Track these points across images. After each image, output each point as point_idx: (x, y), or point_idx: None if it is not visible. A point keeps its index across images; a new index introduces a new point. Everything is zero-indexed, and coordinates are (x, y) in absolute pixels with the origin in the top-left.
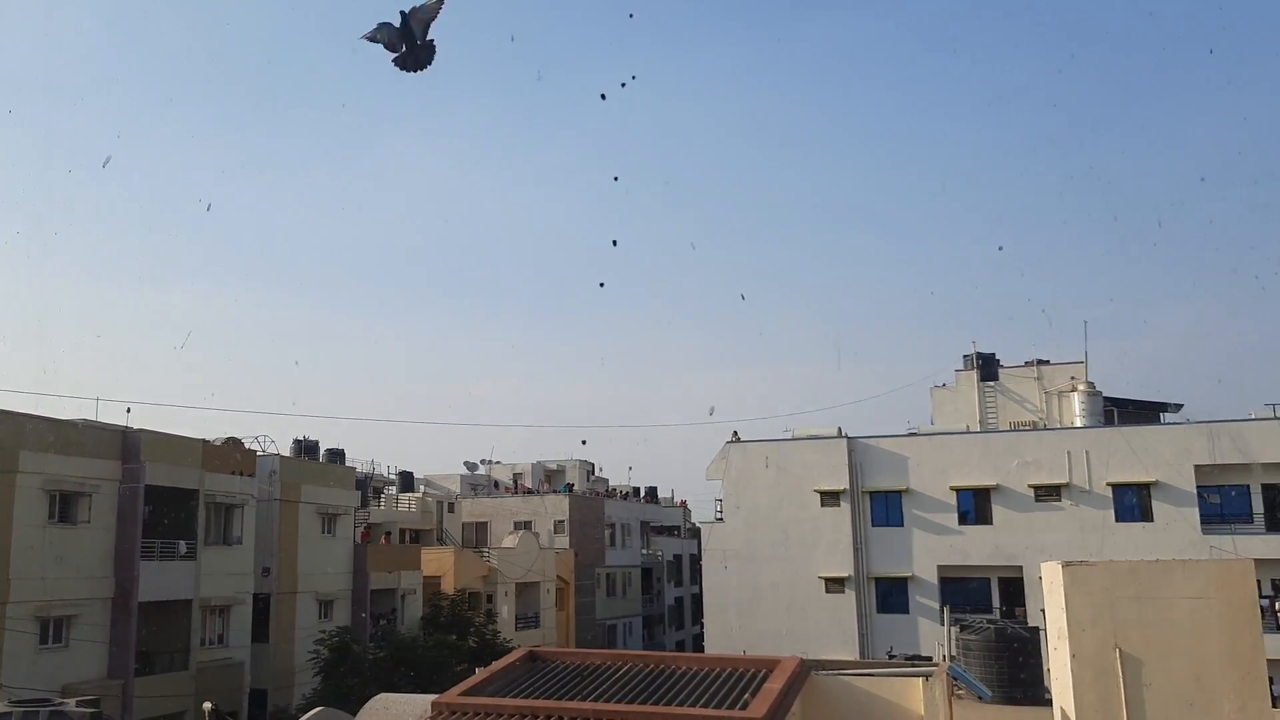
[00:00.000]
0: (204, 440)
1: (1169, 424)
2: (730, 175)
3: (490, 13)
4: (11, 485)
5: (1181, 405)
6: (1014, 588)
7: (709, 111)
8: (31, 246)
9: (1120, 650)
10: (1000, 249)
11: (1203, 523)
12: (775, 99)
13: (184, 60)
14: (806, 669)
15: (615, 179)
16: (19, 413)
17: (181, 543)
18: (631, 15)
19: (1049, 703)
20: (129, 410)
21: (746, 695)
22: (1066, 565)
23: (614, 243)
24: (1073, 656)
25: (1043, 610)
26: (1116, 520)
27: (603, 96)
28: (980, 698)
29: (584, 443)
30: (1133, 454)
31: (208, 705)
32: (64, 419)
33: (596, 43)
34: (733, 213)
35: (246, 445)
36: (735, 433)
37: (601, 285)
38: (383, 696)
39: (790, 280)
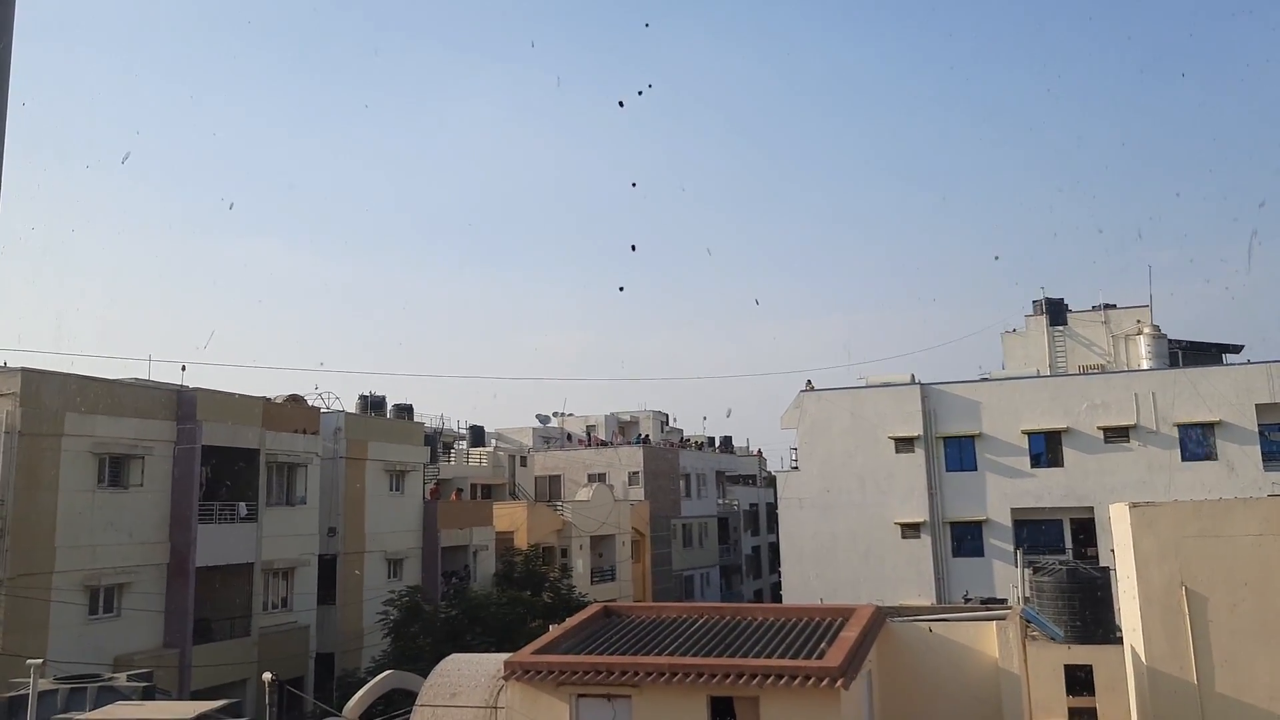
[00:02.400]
0: (264, 398)
1: (1231, 365)
2: (802, 123)
3: None
4: (57, 449)
5: (1242, 347)
6: (1086, 528)
7: (782, 61)
8: (90, 204)
9: (1186, 587)
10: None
11: (1265, 460)
12: (850, 49)
13: (248, 14)
14: (882, 616)
15: (634, 185)
16: (62, 373)
17: (242, 504)
18: None
19: (1120, 640)
20: (184, 369)
21: (823, 644)
22: (1133, 506)
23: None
24: (1140, 595)
25: (1113, 550)
26: (1183, 460)
27: (620, 104)
28: (1053, 638)
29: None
30: (1197, 395)
31: (267, 676)
32: (112, 379)
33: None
34: (805, 163)
35: (310, 402)
36: (809, 381)
37: (621, 289)
38: (454, 657)
39: (864, 228)
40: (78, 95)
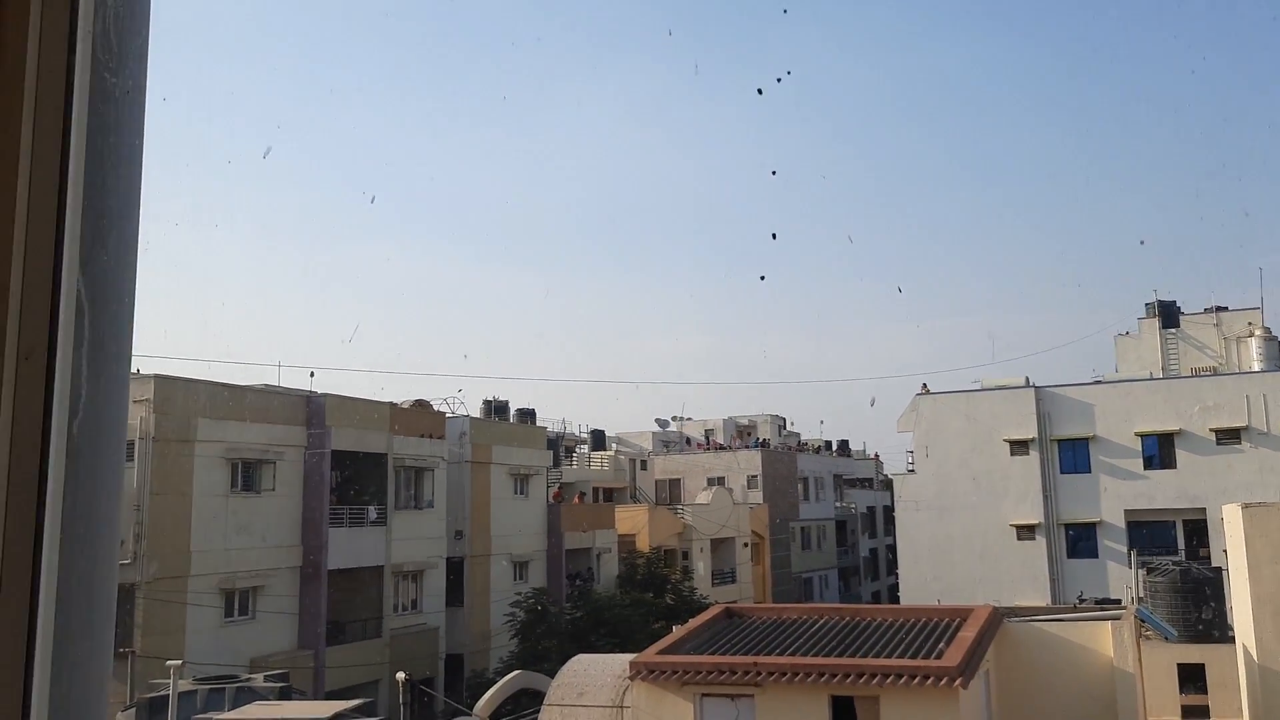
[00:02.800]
0: (391, 403)
1: None
2: (904, 127)
3: None
4: (190, 455)
5: None
6: (1199, 529)
7: (879, 63)
8: (210, 212)
9: None
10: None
11: None
12: (947, 51)
13: (352, 19)
14: (999, 617)
15: (774, 173)
16: (194, 379)
17: (371, 508)
18: None
19: (1232, 640)
20: (312, 375)
21: (941, 645)
22: (1246, 507)
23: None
24: (1253, 595)
25: (1225, 551)
26: None
27: (759, 91)
28: (1166, 638)
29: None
30: None
31: (401, 676)
32: (243, 385)
33: None
34: (910, 168)
35: (435, 407)
36: (925, 385)
37: (762, 278)
38: (581, 657)
39: (971, 235)
40: (218, 93)
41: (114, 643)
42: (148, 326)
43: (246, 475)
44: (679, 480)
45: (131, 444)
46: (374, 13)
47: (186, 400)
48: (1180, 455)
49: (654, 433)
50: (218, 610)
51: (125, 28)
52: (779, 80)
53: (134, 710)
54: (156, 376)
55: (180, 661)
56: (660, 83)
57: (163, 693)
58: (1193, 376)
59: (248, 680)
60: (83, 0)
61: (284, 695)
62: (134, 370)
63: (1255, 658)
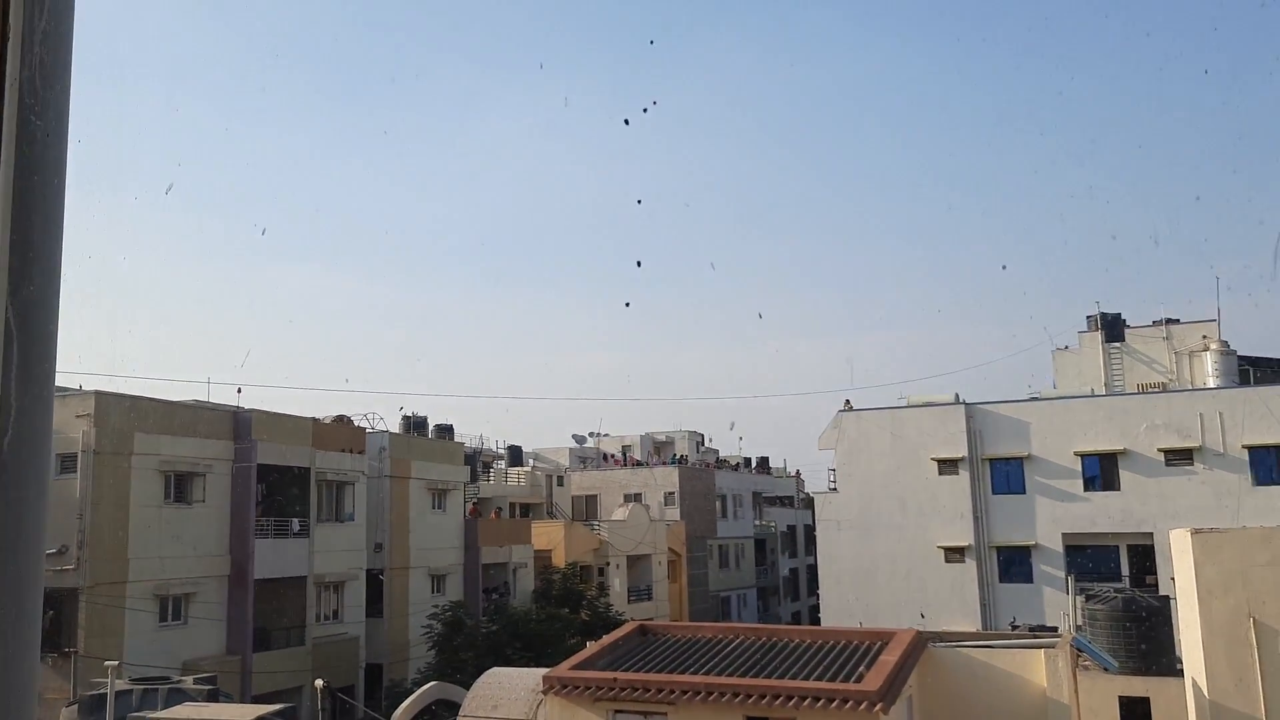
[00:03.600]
0: (314, 419)
1: None
2: (835, 135)
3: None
4: (128, 466)
5: None
6: (1144, 555)
7: (811, 69)
8: (139, 232)
9: (1254, 619)
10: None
11: None
12: (885, 59)
13: (275, 44)
14: (923, 641)
15: (639, 202)
16: (132, 395)
17: (295, 520)
18: None
19: (1180, 673)
20: (239, 391)
21: (861, 668)
22: (1196, 532)
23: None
24: (1203, 626)
25: (1173, 579)
26: (1255, 484)
27: (626, 122)
28: (1105, 669)
29: (731, 426)
30: (1270, 414)
31: (319, 683)
32: (177, 401)
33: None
34: (840, 176)
35: (356, 423)
36: (848, 401)
37: (627, 305)
38: (495, 670)
39: (901, 244)
40: (125, 129)
41: (57, 645)
42: (83, 344)
43: (179, 487)
44: (596, 496)
45: (74, 456)
46: (264, 53)
47: (124, 414)
48: (1125, 476)
49: (571, 449)
50: (153, 615)
51: (50, 75)
52: (645, 110)
53: (76, 707)
54: (97, 393)
55: (117, 662)
56: (556, 106)
57: (101, 691)
58: (1140, 393)
59: (179, 682)
60: (11, 49)
61: (212, 697)
62: (77, 386)
63: (1206, 693)
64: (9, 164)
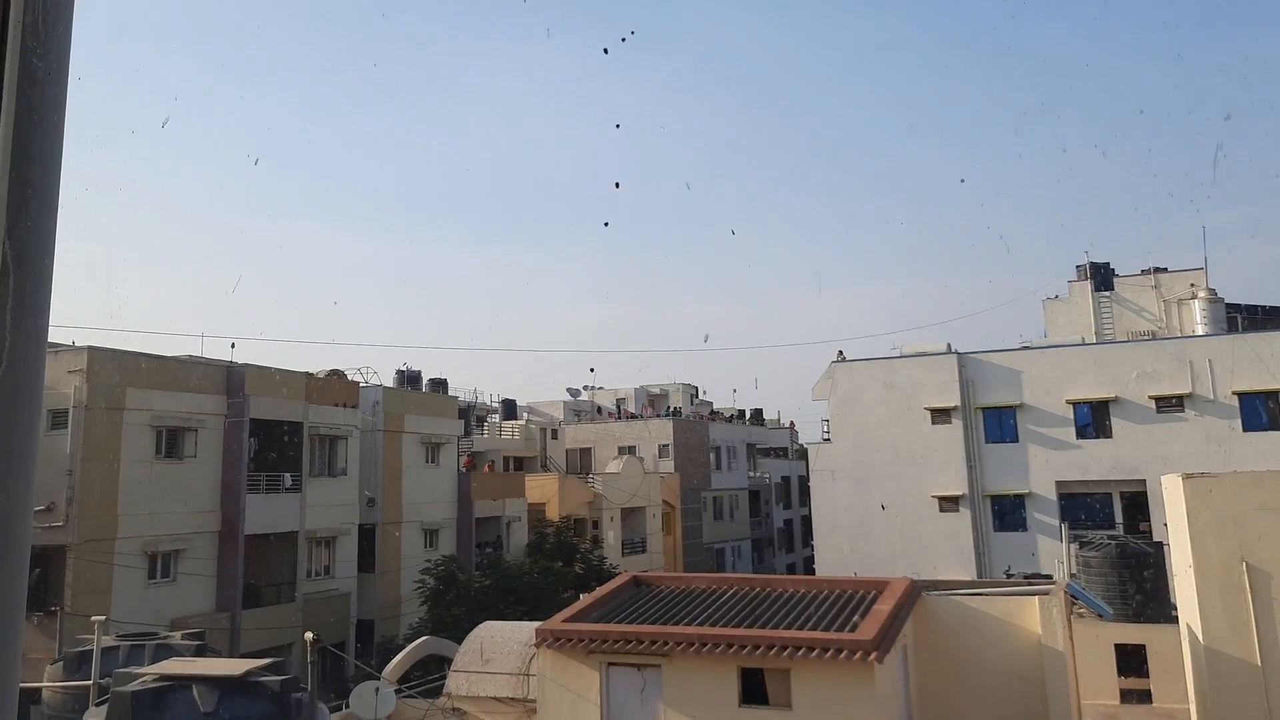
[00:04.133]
0: (307, 373)
1: None
2: (824, 92)
3: None
4: (119, 422)
5: None
6: (1138, 502)
7: (799, 28)
8: (138, 185)
9: (1247, 563)
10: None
11: None
12: (872, 11)
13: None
14: (917, 590)
15: (617, 126)
16: (124, 351)
17: (287, 475)
18: None
19: (1175, 619)
20: (233, 346)
21: (856, 617)
22: (1187, 477)
23: (616, 185)
24: (1197, 572)
25: (1166, 525)
26: (1244, 430)
27: (605, 50)
28: (1100, 616)
29: (706, 339)
30: (1259, 361)
31: (309, 635)
32: (169, 356)
33: None
34: (832, 131)
35: (349, 377)
36: (840, 352)
37: (606, 224)
38: (488, 624)
39: (892, 195)
40: (122, 75)
41: (43, 603)
42: (77, 299)
43: (170, 442)
44: (590, 449)
45: (65, 412)
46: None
47: (117, 370)
48: (1116, 424)
49: (565, 402)
50: (142, 571)
51: (52, 17)
52: (623, 40)
53: (62, 663)
54: (90, 348)
55: (104, 617)
56: (553, 72)
57: (87, 648)
58: (1129, 341)
59: (166, 638)
60: None
61: (200, 653)
62: (69, 342)
63: (1200, 639)
64: (10, 103)
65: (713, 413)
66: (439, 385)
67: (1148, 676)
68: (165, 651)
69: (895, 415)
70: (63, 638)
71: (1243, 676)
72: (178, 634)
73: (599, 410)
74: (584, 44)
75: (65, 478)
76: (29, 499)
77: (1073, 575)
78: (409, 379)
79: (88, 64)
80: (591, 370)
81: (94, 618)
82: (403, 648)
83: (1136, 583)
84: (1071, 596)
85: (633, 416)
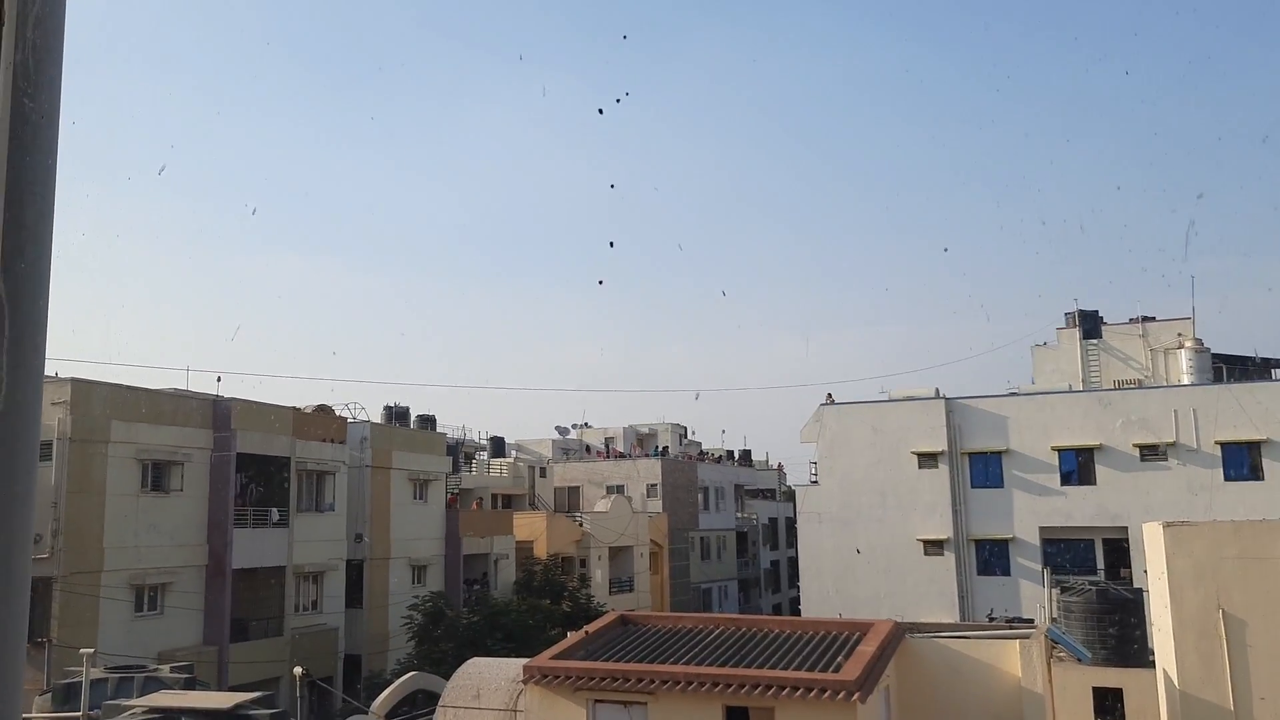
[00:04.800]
0: (295, 408)
1: None
2: (820, 134)
3: None
4: (104, 455)
5: None
6: (1119, 549)
7: (804, 63)
8: (131, 215)
9: (1223, 610)
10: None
11: None
12: (885, 47)
13: (266, 41)
14: (901, 632)
15: (612, 186)
16: (109, 383)
17: (274, 510)
18: None
19: (1152, 664)
20: (219, 379)
21: (840, 658)
22: (1167, 525)
23: (610, 244)
24: (1174, 617)
25: (1146, 571)
26: (1226, 479)
27: (600, 111)
28: (1079, 659)
29: (697, 397)
30: (1242, 411)
31: (298, 670)
32: (154, 389)
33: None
34: (825, 172)
35: (337, 412)
36: (829, 395)
37: (600, 283)
38: (476, 660)
39: (882, 241)
40: (119, 112)
41: (30, 634)
42: (60, 333)
43: (156, 475)
44: (578, 488)
45: (49, 444)
46: (255, 40)
47: (101, 402)
48: (1101, 471)
49: (554, 440)
50: (129, 604)
51: (43, 58)
52: (618, 101)
53: (50, 695)
54: (73, 379)
55: (92, 650)
56: (540, 100)
57: (75, 679)
58: (1116, 389)
59: (155, 671)
60: (5, 33)
61: (189, 686)
62: (52, 374)
63: (1176, 683)
64: (2, 144)
65: (701, 453)
66: (427, 422)
67: (1124, 719)
68: (154, 684)
69: (882, 459)
70: (50, 669)
71: None
72: (166, 667)
73: (588, 449)
74: (580, 102)
75: (50, 510)
76: (28, 537)
77: (1054, 620)
78: (397, 415)
79: (81, 106)
80: (581, 418)
81: (83, 650)
82: (391, 683)
83: (1115, 628)
84: (1052, 640)
85: (621, 456)
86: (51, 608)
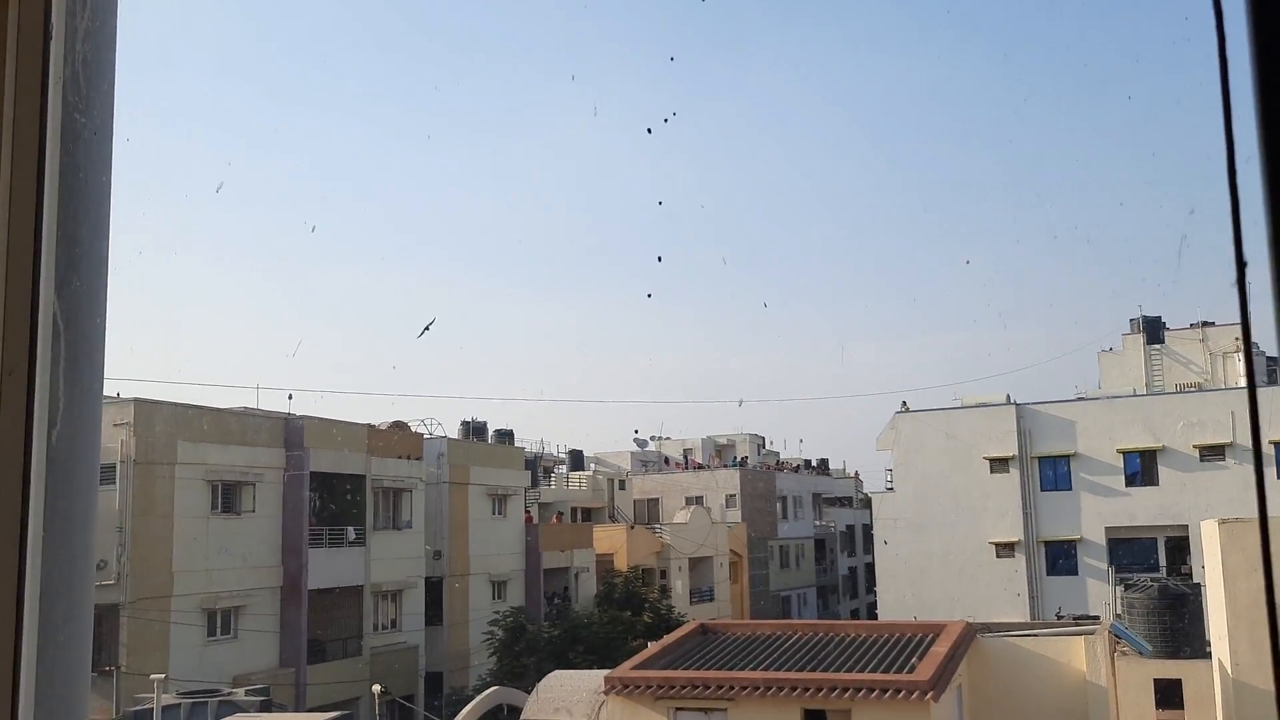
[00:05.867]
0: (369, 425)
1: None
2: (881, 139)
3: None
4: (171, 477)
5: None
6: (1180, 546)
7: (848, 75)
8: (190, 231)
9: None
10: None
11: None
12: (939, 58)
13: (325, 53)
14: (972, 632)
15: (659, 203)
16: (173, 403)
17: (350, 529)
18: None
19: (1209, 655)
20: (290, 397)
21: (914, 659)
22: (1223, 522)
23: (659, 259)
24: (1228, 609)
25: (1203, 567)
26: None
27: (649, 130)
28: (1141, 653)
29: (740, 403)
30: None
31: (376, 688)
32: (222, 408)
33: None
34: (895, 180)
35: (413, 429)
36: (904, 403)
37: (649, 296)
38: (558, 673)
39: (952, 249)
40: (177, 127)
41: (97, 662)
42: (124, 352)
43: (226, 497)
44: (657, 500)
45: (113, 466)
46: (315, 58)
47: (166, 423)
48: (1163, 472)
49: (632, 452)
50: (200, 629)
51: (93, 72)
52: (665, 120)
53: None
54: (136, 400)
55: (164, 675)
56: (609, 121)
57: (146, 706)
58: (1177, 393)
59: (229, 695)
60: (54, 47)
61: (265, 709)
62: (114, 394)
63: (1230, 673)
64: (54, 161)
65: (779, 463)
66: (505, 436)
67: (1183, 709)
68: (229, 708)
69: (956, 464)
70: (119, 697)
71: (1267, 706)
72: (241, 690)
73: (666, 461)
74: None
75: (115, 534)
76: (90, 560)
77: (1118, 616)
78: (474, 430)
79: (137, 123)
80: (659, 429)
81: (153, 676)
82: (472, 699)
83: (1175, 621)
84: (1115, 636)
85: (700, 467)
86: (119, 635)
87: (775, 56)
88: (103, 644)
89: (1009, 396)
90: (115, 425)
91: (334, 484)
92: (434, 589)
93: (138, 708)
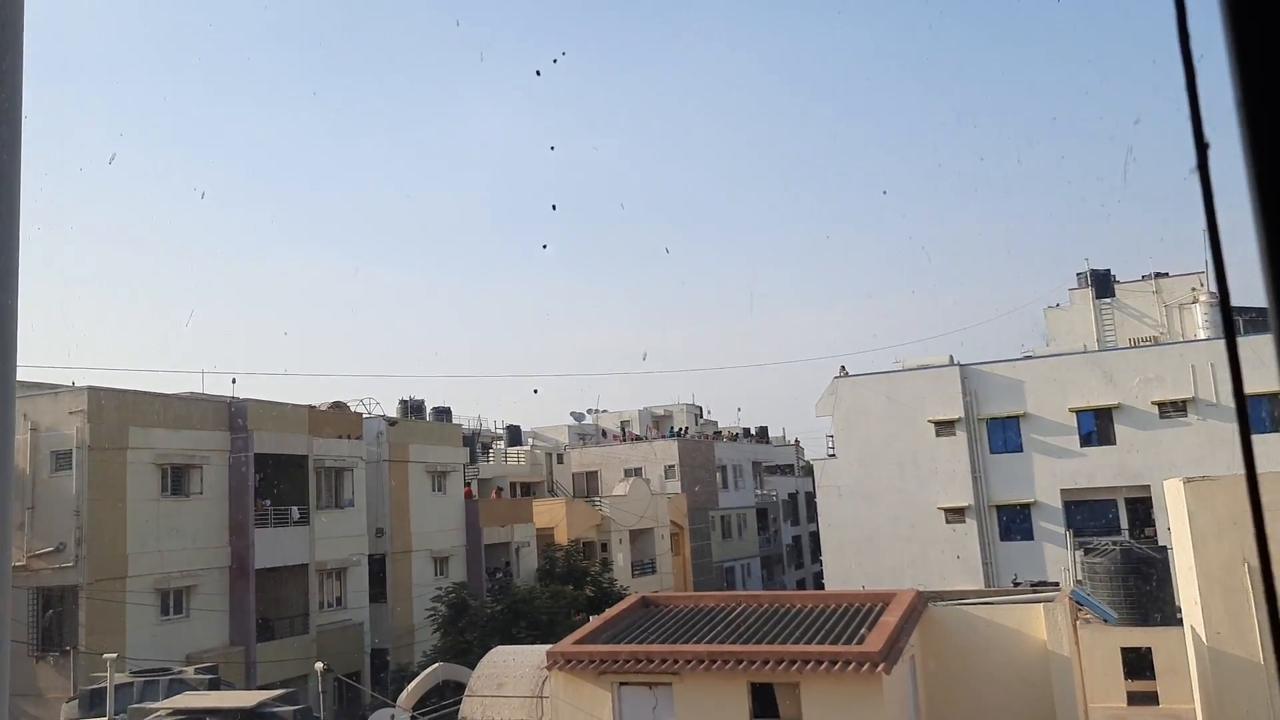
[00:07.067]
0: (310, 406)
1: None
2: (811, 110)
3: None
4: (123, 461)
5: None
6: (1142, 508)
7: (790, 44)
8: (130, 223)
9: (1249, 565)
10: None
11: None
12: (877, 28)
13: (259, 33)
14: (924, 601)
15: (552, 148)
16: (125, 390)
17: (294, 508)
18: None
19: (1180, 622)
20: (234, 381)
21: (863, 630)
22: (1188, 481)
23: (554, 207)
24: (1199, 574)
25: (1169, 529)
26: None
27: (538, 73)
28: (1105, 620)
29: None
30: (1261, 364)
31: (320, 666)
32: (170, 394)
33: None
34: (826, 148)
35: (352, 409)
36: (843, 367)
37: (545, 247)
38: (500, 649)
39: (887, 211)
40: (126, 118)
41: (59, 643)
42: (76, 339)
43: (176, 479)
44: (596, 472)
45: (69, 453)
46: (250, 39)
47: (118, 409)
48: (1120, 431)
49: (570, 426)
50: (154, 609)
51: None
52: (554, 61)
53: (77, 701)
54: (89, 388)
55: (116, 655)
56: (536, 84)
57: (101, 685)
58: (1131, 347)
59: (180, 673)
60: None
61: (214, 686)
62: (70, 383)
63: (1204, 640)
64: None
65: (717, 432)
66: (442, 414)
67: (1154, 678)
68: (179, 686)
69: (899, 429)
70: (77, 676)
71: (1247, 675)
72: (190, 669)
73: (603, 433)
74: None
75: (73, 518)
76: (7, 536)
77: (1078, 582)
78: (412, 409)
79: (66, 102)
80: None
81: (106, 655)
82: (417, 675)
83: (1142, 587)
84: (1077, 602)
85: (637, 438)
86: (78, 616)
87: (693, 20)
88: (64, 625)
89: (952, 358)
90: (70, 413)
91: (278, 464)
92: (377, 566)
93: (93, 686)
